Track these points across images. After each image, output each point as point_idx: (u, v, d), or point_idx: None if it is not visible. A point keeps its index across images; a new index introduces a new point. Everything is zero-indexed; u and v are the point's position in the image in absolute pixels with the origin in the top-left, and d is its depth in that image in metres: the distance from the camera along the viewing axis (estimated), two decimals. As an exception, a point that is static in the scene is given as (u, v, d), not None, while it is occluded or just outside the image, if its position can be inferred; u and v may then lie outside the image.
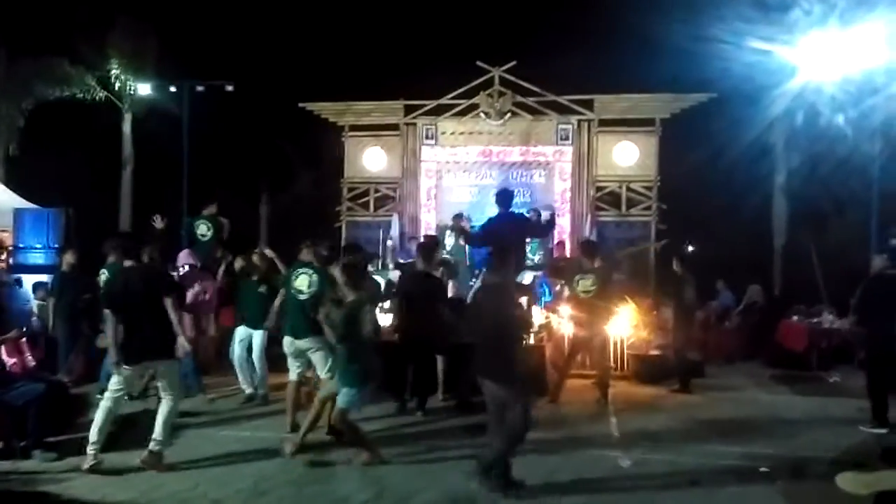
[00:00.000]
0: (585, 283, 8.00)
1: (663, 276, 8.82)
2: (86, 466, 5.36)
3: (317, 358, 6.49)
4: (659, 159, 12.49)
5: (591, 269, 8.15)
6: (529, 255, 10.01)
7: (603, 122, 12.66)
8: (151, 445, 5.44)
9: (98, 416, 5.47)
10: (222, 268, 8.53)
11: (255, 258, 7.93)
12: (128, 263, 5.76)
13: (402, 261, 11.04)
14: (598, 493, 5.14)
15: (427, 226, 13.20)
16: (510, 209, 8.76)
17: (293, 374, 6.70)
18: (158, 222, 8.01)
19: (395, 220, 13.03)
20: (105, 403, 5.52)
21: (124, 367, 5.45)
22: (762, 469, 5.68)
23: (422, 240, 12.42)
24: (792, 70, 12.89)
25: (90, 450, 5.39)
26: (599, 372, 8.28)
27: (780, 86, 13.50)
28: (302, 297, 6.59)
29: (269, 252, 7.84)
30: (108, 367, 7.90)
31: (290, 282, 6.73)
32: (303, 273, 6.71)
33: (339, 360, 5.79)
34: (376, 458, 5.63)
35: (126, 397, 5.86)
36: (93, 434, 5.42)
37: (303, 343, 6.50)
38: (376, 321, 7.58)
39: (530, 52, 13.44)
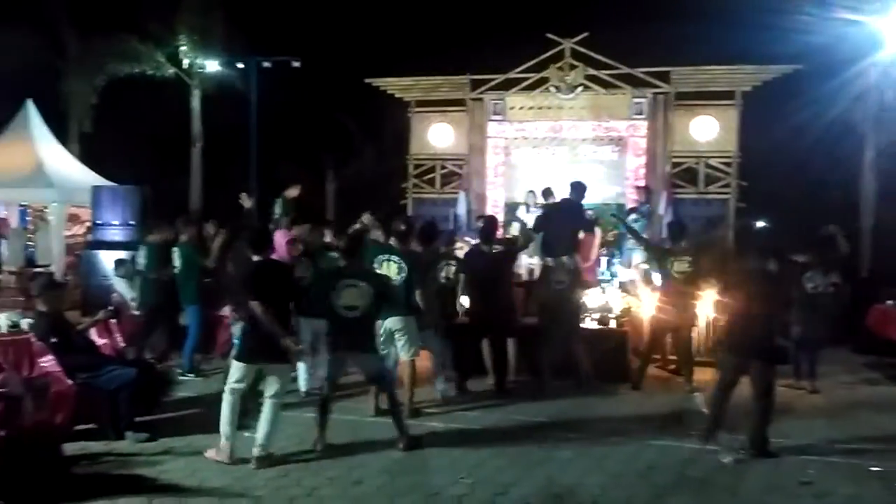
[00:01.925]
0: (681, 265, 7.72)
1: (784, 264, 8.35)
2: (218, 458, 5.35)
3: (403, 339, 6.49)
4: (739, 134, 11.97)
5: (685, 251, 7.87)
6: None
7: (680, 96, 12.19)
8: (258, 452, 5.28)
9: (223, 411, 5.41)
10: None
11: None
12: (256, 258, 5.58)
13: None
14: (702, 493, 4.92)
15: (494, 203, 12.99)
16: (580, 199, 8.56)
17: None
18: (246, 200, 7.92)
19: (461, 197, 12.86)
20: (228, 396, 5.44)
21: (240, 363, 5.42)
22: (873, 468, 5.39)
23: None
24: (881, 42, 12.16)
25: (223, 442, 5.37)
26: (681, 360, 8.05)
27: (869, 58, 12.77)
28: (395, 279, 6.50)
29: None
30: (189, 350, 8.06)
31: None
32: (385, 260, 6.57)
33: None
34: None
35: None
36: (224, 428, 5.37)
37: (392, 323, 6.48)
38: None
39: (603, 23, 12.95)
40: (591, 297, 8.83)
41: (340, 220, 14.36)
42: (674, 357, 8.46)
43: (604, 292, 9.25)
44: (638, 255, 9.71)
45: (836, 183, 15.43)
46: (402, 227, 6.91)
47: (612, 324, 8.57)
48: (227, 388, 5.45)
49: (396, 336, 6.55)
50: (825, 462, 5.50)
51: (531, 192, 11.24)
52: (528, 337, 7.99)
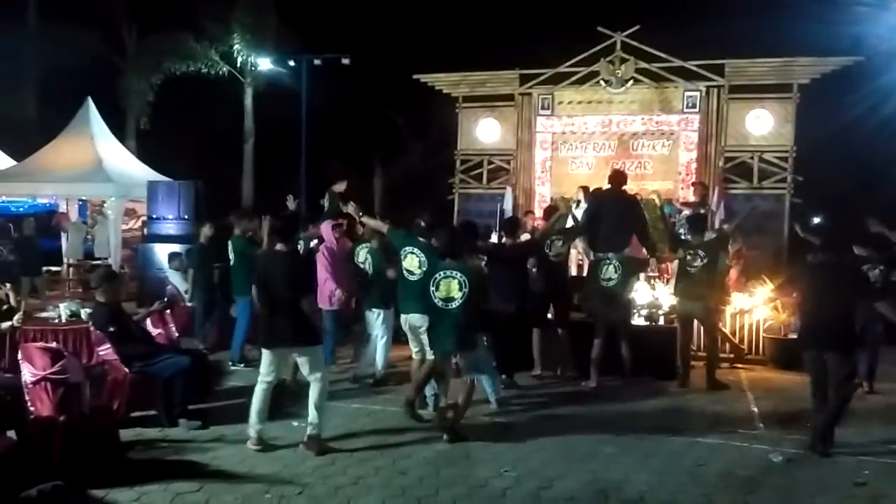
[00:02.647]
0: (695, 259, 7.60)
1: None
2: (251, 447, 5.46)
3: (426, 337, 6.22)
4: (796, 128, 11.64)
5: (699, 245, 7.74)
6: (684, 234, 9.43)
7: (734, 89, 11.85)
8: (309, 430, 5.44)
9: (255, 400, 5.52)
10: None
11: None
12: (279, 247, 5.67)
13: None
14: (750, 493, 4.81)
15: (541, 198, 12.90)
16: (620, 188, 8.47)
17: (414, 352, 6.60)
18: (291, 202, 8.15)
19: (508, 192, 12.80)
20: (258, 387, 5.55)
21: (265, 350, 5.51)
22: (934, 471, 5.21)
23: (538, 212, 12.31)
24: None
25: (252, 433, 5.48)
26: (706, 353, 7.89)
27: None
28: (413, 278, 6.39)
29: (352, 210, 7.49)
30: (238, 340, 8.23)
31: (401, 260, 6.60)
32: (411, 254, 6.48)
33: None
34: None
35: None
36: (252, 418, 5.48)
37: (415, 320, 6.36)
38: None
39: (655, 15, 12.77)
40: (639, 294, 8.72)
41: (387, 216, 14.44)
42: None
43: (653, 288, 9.12)
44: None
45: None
46: (423, 224, 6.78)
47: (661, 320, 8.47)
48: (259, 378, 5.57)
49: (421, 332, 6.31)
50: (881, 463, 5.34)
51: (582, 187, 11.11)
52: (576, 332, 7.97)
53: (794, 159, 11.57)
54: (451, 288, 5.65)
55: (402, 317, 6.60)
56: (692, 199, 10.92)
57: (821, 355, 5.66)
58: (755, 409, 6.83)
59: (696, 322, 8.14)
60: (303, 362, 5.51)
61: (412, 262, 6.44)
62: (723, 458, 5.43)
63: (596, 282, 7.84)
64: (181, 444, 5.59)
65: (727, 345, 8.95)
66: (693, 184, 11.32)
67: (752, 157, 11.76)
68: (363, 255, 7.52)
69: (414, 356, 6.62)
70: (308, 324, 5.53)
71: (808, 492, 4.83)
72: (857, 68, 11.69)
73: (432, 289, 5.70)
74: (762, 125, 11.74)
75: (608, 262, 7.78)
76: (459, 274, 5.67)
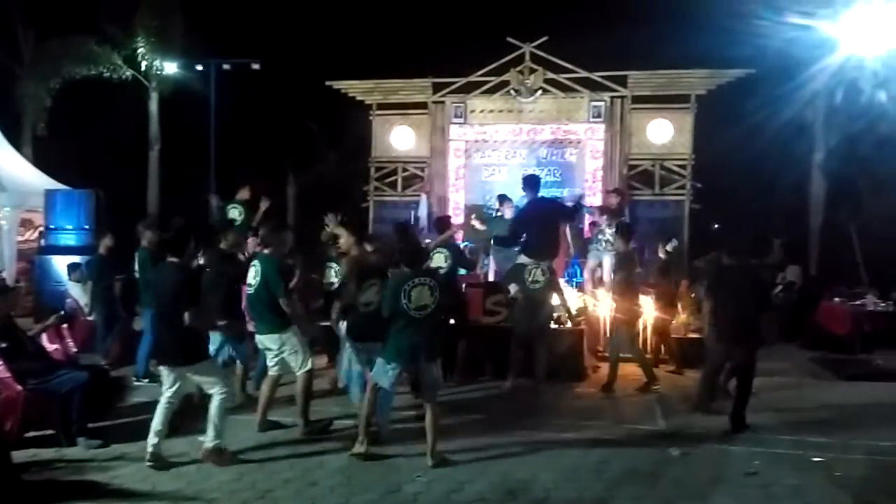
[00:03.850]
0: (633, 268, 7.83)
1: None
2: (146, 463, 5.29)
3: (285, 356, 6.04)
4: (694, 137, 12.22)
5: (628, 252, 7.95)
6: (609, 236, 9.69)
7: (637, 99, 12.38)
8: (206, 443, 5.34)
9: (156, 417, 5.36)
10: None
11: None
12: (170, 259, 5.47)
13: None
14: (651, 486, 5.03)
15: (455, 205, 13.06)
16: (538, 194, 8.58)
17: (272, 369, 6.18)
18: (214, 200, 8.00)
19: (423, 199, 12.91)
20: (160, 403, 5.40)
21: (160, 367, 5.39)
22: (815, 459, 5.56)
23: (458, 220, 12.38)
24: (832, 45, 12.50)
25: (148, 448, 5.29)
26: (611, 356, 8.00)
27: (820, 61, 13.12)
28: (250, 290, 6.05)
29: None
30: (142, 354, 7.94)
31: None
32: (253, 266, 6.08)
33: None
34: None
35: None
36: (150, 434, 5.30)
37: (264, 341, 6.11)
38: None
39: (562, 28, 13.16)
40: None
41: (301, 225, 14.28)
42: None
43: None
44: (592, 257, 9.88)
45: (787, 184, 15.85)
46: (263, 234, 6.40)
47: (569, 323, 8.68)
48: (162, 394, 5.44)
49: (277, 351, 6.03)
50: (770, 453, 5.66)
51: (502, 195, 11.19)
52: (491, 337, 8.09)
53: (692, 167, 12.15)
54: (424, 295, 5.35)
55: (257, 337, 6.17)
56: (612, 205, 11.14)
57: (729, 348, 6.34)
58: (657, 407, 7.11)
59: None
60: (198, 379, 5.42)
61: (251, 274, 6.03)
62: (626, 454, 5.65)
63: (523, 284, 7.90)
64: (80, 463, 5.38)
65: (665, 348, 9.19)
66: (611, 191, 11.57)
67: (653, 165, 12.29)
68: None
69: (270, 372, 6.19)
70: (194, 340, 5.33)
71: (703, 483, 5.08)
72: (756, 79, 12.39)
73: (404, 300, 5.31)
74: (663, 134, 12.28)
75: (537, 266, 7.88)
76: (430, 279, 5.44)
